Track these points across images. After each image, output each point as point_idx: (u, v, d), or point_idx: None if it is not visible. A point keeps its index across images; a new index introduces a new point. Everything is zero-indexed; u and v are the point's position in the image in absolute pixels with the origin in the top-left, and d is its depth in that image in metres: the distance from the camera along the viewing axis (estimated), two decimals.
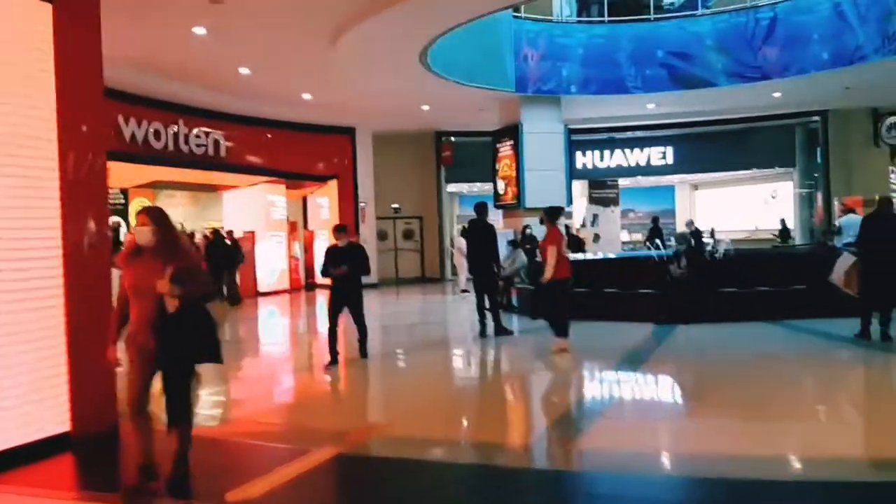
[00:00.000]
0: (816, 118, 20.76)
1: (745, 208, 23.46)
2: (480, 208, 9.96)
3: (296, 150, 19.53)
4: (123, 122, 15.16)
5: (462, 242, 16.95)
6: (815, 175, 21.36)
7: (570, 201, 17.77)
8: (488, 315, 10.26)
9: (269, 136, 19.02)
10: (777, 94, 18.42)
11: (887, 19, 14.03)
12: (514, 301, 13.13)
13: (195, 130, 16.94)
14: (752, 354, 8.21)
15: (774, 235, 20.61)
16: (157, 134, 15.94)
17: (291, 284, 20.62)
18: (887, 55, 14.24)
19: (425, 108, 18.68)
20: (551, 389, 7.77)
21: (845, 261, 8.49)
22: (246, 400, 7.40)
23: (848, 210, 15.48)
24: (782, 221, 20.91)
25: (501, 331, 9.87)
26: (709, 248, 12.71)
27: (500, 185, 17.96)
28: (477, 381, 8.35)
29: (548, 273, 8.57)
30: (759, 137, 21.83)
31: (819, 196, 21.04)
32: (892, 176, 21.05)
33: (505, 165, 17.76)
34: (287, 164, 19.28)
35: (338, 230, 8.73)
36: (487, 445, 5.38)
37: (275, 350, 11.37)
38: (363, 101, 17.75)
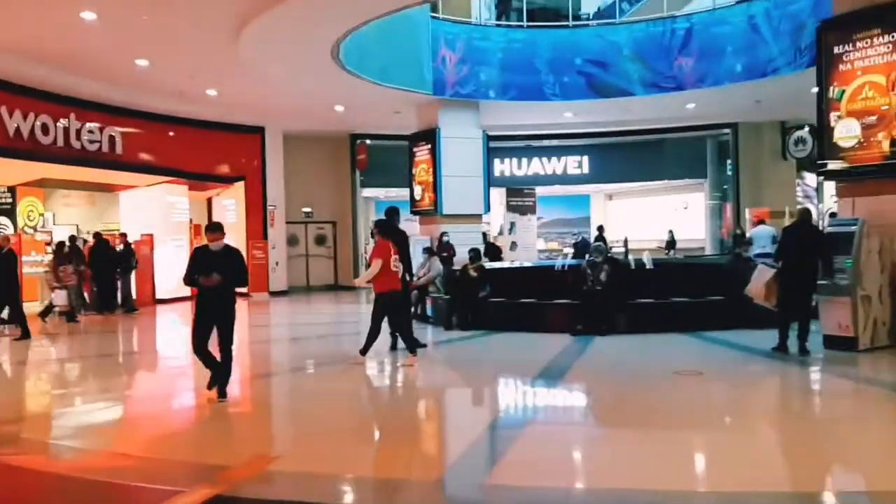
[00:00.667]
0: (727, 131, 21.13)
1: (658, 219, 23.67)
2: (391, 212, 9.32)
3: (200, 149, 18.47)
4: (7, 115, 13.87)
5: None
6: (725, 187, 21.72)
7: (487, 208, 17.40)
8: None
9: (170, 133, 17.90)
10: (691, 106, 18.59)
11: (799, 33, 14.22)
12: (429, 311, 12.57)
13: (88, 125, 15.69)
14: (668, 368, 7.86)
15: (660, 247, 20.93)
16: (45, 128, 14.66)
17: (193, 291, 19.41)
18: (798, 68, 14.44)
19: (339, 108, 17.98)
20: (461, 410, 7.22)
21: (763, 273, 8.31)
22: (117, 425, 6.56)
23: (758, 221, 15.68)
24: (670, 232, 21.26)
25: (413, 343, 9.30)
26: (621, 257, 12.53)
27: (417, 190, 17.41)
28: (380, 402, 7.67)
29: (360, 280, 9.13)
30: (672, 149, 22.10)
31: (728, 207, 21.37)
32: (798, 189, 21.65)
33: (422, 170, 17.22)
34: (190, 163, 18.20)
35: (210, 229, 7.06)
36: (384, 483, 4.76)
37: (162, 366, 10.35)
38: (272, 99, 16.91)
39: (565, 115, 19.30)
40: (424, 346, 9.59)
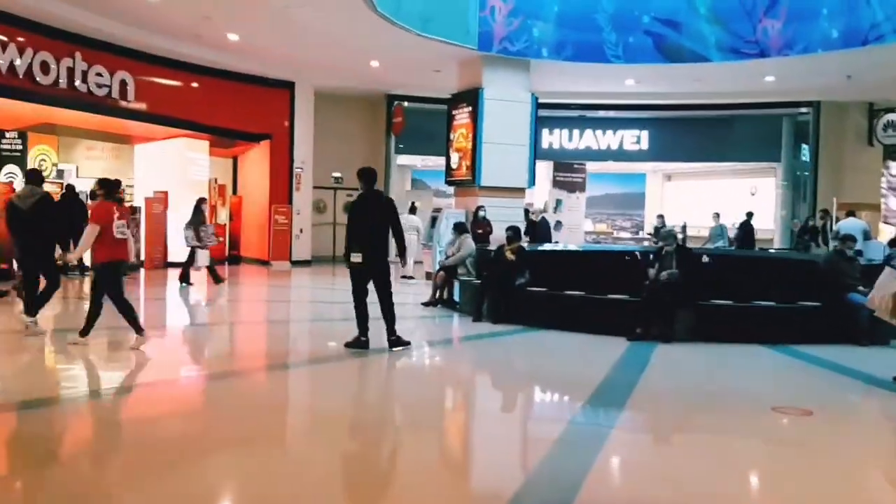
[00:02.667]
0: (807, 110, 18.82)
1: (721, 204, 21.41)
2: (367, 174, 7.51)
3: (223, 103, 16.89)
4: None
5: (413, 221, 14.64)
6: (799, 173, 19.42)
7: (533, 182, 15.48)
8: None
9: (191, 83, 16.37)
10: (770, 78, 16.39)
11: None
12: (457, 296, 10.82)
13: (96, 67, 14.18)
14: (762, 400, 5.98)
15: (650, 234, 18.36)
16: (44, 66, 13.19)
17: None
18: None
19: (374, 63, 16.20)
20: (477, 461, 4.82)
21: (892, 280, 6.35)
22: None
23: (848, 213, 13.58)
24: (659, 217, 18.66)
25: (395, 342, 7.42)
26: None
27: (454, 157, 15.58)
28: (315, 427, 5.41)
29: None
30: (743, 127, 19.86)
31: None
32: (883, 179, 19.27)
33: (460, 135, 15.37)
34: (212, 117, 16.64)
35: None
36: None
37: None
38: (301, 48, 15.21)
39: (627, 82, 17.23)
40: (408, 343, 7.59)
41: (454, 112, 15.54)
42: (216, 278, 13.49)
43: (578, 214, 21.41)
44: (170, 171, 16.88)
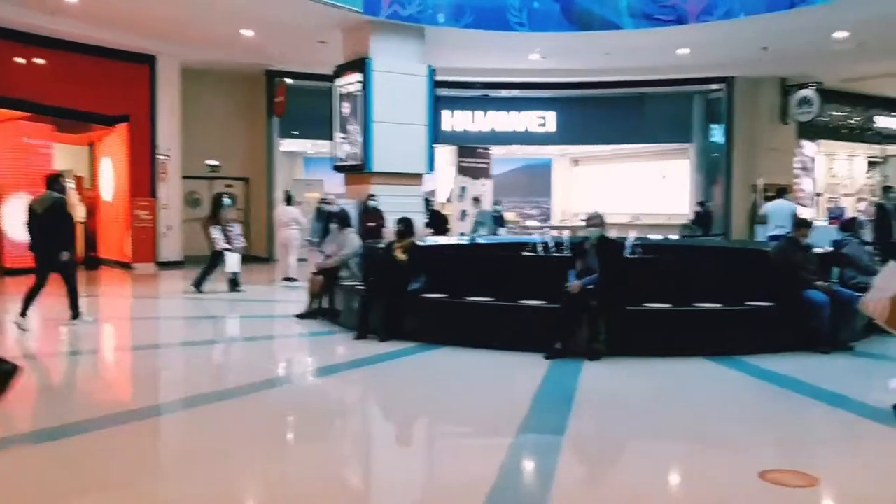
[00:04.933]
0: (719, 86, 17.78)
1: (632, 190, 20.28)
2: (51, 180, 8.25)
3: (67, 79, 14.35)
4: None
5: (290, 213, 12.57)
6: (715, 154, 18.39)
7: (432, 167, 13.65)
8: None
9: (27, 57, 13.71)
10: (684, 51, 15.18)
11: None
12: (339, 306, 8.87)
13: None
14: (738, 458, 4.35)
15: (690, 221, 16.92)
16: None
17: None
18: None
19: (247, 32, 13.99)
20: None
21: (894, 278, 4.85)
22: None
23: (777, 194, 12.44)
24: (701, 204, 17.17)
25: None
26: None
27: (340, 139, 13.59)
28: None
29: None
30: (655, 107, 18.70)
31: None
32: (797, 159, 18.54)
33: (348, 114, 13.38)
34: (54, 97, 14.06)
35: None
36: None
37: None
38: (160, 16, 12.86)
39: (531, 57, 15.66)
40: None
41: (339, 87, 13.54)
42: (234, 285, 11.48)
43: (485, 202, 19.77)
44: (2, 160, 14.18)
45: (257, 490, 3.95)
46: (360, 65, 12.79)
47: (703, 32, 13.39)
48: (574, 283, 6.78)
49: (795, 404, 5.58)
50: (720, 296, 7.21)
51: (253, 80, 17.26)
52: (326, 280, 8.67)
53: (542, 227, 18.00)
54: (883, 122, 19.92)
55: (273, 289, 12.48)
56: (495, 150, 20.01)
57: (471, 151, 19.52)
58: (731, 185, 17.56)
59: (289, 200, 12.83)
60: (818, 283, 7.10)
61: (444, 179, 20.06)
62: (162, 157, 15.74)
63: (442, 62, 14.14)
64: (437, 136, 14.76)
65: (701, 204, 16.81)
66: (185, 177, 16.36)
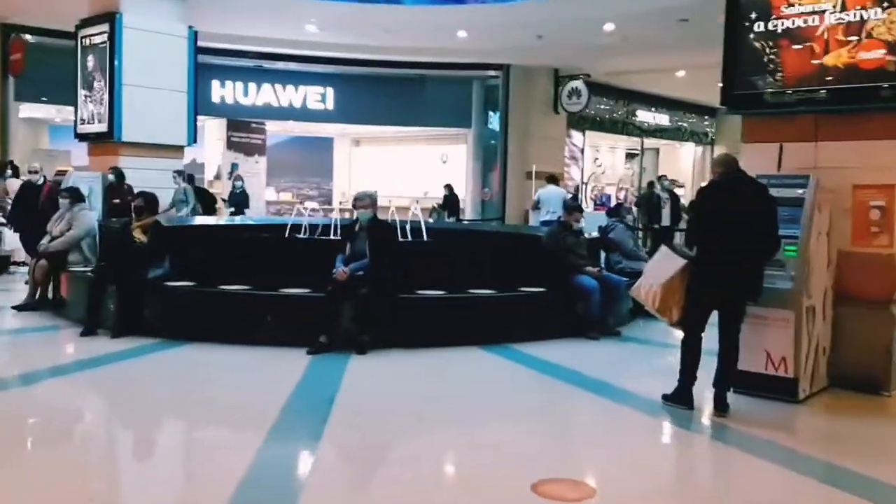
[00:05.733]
0: (496, 73, 17.99)
1: (414, 174, 20.08)
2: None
3: None
4: None
5: (13, 185, 10.66)
6: (492, 141, 18.63)
7: (193, 138, 12.23)
8: None
9: None
10: (462, 34, 15.03)
11: None
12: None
13: None
14: (513, 465, 3.89)
15: (437, 205, 16.98)
16: None
17: None
18: None
19: None
20: None
21: (666, 263, 4.67)
22: None
23: (549, 179, 12.64)
24: (447, 187, 17.21)
25: None
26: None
27: (84, 103, 11.82)
28: None
29: None
30: (435, 90, 18.55)
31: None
32: (566, 148, 19.33)
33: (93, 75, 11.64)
34: None
35: None
36: None
37: None
38: None
39: (308, 27, 14.73)
40: None
41: (83, 38, 11.74)
42: None
43: (259, 182, 18.56)
44: None
45: None
46: (108, 20, 11.12)
47: (481, 14, 13.29)
48: (340, 270, 6.12)
49: (564, 394, 5.35)
50: (495, 282, 6.91)
51: None
52: (52, 265, 7.27)
53: (315, 209, 17.24)
54: (642, 116, 21.34)
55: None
56: (271, 127, 18.81)
57: (244, 126, 18.18)
58: (506, 171, 17.85)
59: (14, 172, 10.91)
60: (588, 268, 7.02)
61: (212, 155, 18.55)
62: None
63: (209, 27, 12.76)
64: (202, 106, 13.42)
65: (447, 187, 16.94)
66: None
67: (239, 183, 14.81)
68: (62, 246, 7.32)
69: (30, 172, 10.06)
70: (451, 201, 16.55)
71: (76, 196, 7.56)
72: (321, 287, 6.15)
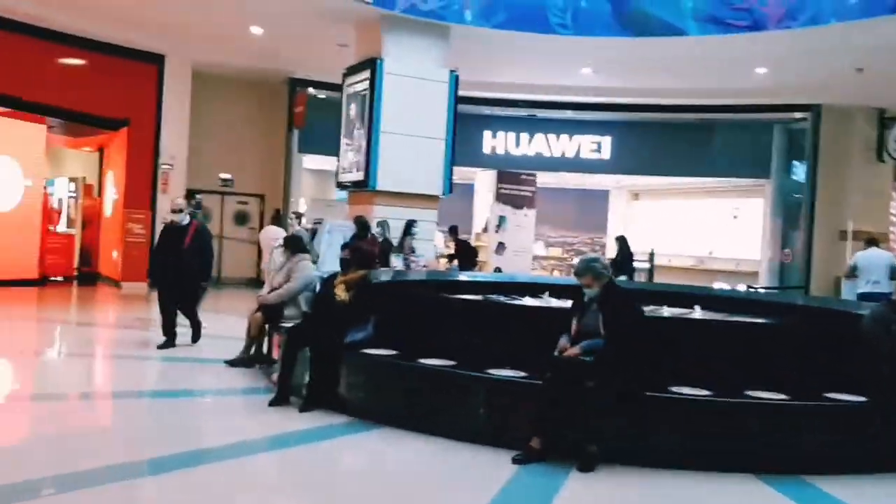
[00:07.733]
0: (803, 115, 15.27)
1: (699, 229, 17.87)
2: None
3: (63, 77, 13.08)
4: None
5: (273, 233, 10.63)
6: (796, 195, 15.81)
7: (448, 188, 11.62)
8: None
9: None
10: (761, 71, 12.90)
11: None
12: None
13: None
14: None
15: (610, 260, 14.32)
16: None
17: (45, 270, 14.00)
18: None
19: (256, 30, 12.44)
20: None
21: None
22: None
23: (868, 242, 9.97)
24: (621, 239, 14.75)
25: None
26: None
27: (345, 152, 11.79)
28: None
29: None
30: (726, 136, 16.31)
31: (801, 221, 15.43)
32: (894, 203, 15.81)
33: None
34: (42, 93, 12.73)
35: None
36: None
37: None
38: (171, 8, 11.37)
39: (583, 71, 13.63)
40: None
41: (347, 87, 11.78)
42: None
43: (526, 235, 17.67)
44: None
45: None
46: (369, 67, 10.97)
47: (785, 44, 11.12)
48: (563, 342, 4.67)
49: None
50: (786, 381, 4.93)
51: (272, 89, 15.73)
52: (266, 318, 6.74)
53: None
54: None
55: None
56: (542, 178, 17.90)
57: (513, 178, 17.47)
58: (812, 230, 14.95)
59: (277, 220, 11.03)
60: None
61: (480, 207, 18.11)
62: (165, 166, 14.27)
63: (469, 69, 12.19)
64: (473, 158, 12.91)
65: (619, 240, 14.62)
66: (191, 190, 14.81)
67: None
68: (278, 299, 6.76)
69: (172, 212, 7.93)
70: (624, 255, 14.20)
71: (296, 246, 7.01)
72: (540, 369, 4.73)
